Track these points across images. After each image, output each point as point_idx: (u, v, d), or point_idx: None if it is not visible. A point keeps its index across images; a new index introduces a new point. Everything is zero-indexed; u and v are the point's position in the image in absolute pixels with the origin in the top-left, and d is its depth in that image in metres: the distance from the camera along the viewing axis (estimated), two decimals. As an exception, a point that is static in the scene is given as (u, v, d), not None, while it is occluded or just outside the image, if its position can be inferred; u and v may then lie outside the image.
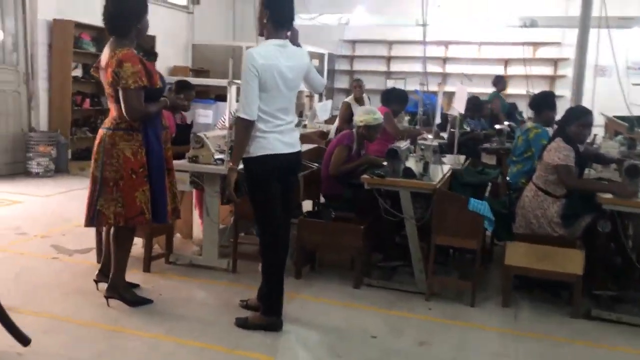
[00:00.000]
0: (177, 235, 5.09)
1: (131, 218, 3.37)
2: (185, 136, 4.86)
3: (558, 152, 4.00)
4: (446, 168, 4.55)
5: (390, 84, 12.47)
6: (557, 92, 11.63)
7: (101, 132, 3.44)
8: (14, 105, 7.93)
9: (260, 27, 3.30)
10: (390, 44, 12.52)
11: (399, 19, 10.04)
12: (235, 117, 3.30)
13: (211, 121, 9.97)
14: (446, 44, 12.07)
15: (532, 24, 8.70)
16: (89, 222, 3.45)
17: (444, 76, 12.25)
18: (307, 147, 5.89)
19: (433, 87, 11.71)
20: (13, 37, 7.88)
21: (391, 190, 4.09)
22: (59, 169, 7.99)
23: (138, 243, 4.34)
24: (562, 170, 3.97)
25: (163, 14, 11.16)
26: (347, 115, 7.30)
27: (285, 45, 3.23)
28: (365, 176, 4.10)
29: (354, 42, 12.76)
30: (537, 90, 11.02)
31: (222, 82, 8.89)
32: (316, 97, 10.66)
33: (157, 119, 3.45)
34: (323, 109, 8.38)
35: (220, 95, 10.11)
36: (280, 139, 3.25)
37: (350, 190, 4.52)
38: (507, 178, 5.18)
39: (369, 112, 4.83)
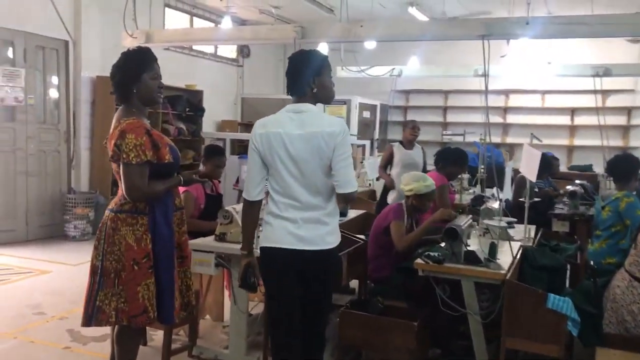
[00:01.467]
0: (207, 318, 4.54)
1: (134, 317, 2.82)
2: (217, 208, 4.35)
3: None
4: (515, 247, 3.84)
5: (448, 135, 11.82)
6: (631, 143, 10.79)
7: (106, 213, 2.94)
8: (54, 165, 7.69)
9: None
10: (446, 93, 11.91)
11: (455, 69, 9.42)
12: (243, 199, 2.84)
13: (257, 178, 9.63)
14: (507, 92, 11.36)
15: (606, 72, 7.92)
16: (87, 321, 2.89)
17: (505, 127, 11.51)
18: (354, 212, 5.29)
19: (494, 139, 11.00)
20: (55, 95, 7.72)
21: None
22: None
23: (159, 332, 3.80)
24: None
25: (212, 68, 10.96)
26: (385, 161, 6.58)
27: (300, 111, 2.65)
28: (419, 261, 3.45)
29: (407, 92, 12.22)
30: (611, 142, 10.38)
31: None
32: (367, 151, 10.10)
33: (167, 199, 2.93)
34: (373, 166, 7.78)
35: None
36: (290, 229, 2.63)
37: (400, 275, 3.87)
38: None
39: (418, 179, 4.23)
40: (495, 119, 11.32)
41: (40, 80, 7.47)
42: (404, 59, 9.69)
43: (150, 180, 2.81)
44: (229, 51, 11.75)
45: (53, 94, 7.70)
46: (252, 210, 2.75)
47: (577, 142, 11.11)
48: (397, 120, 12.44)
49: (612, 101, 10.85)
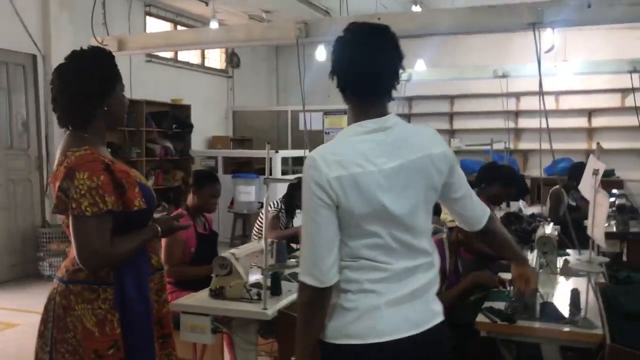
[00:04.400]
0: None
1: None
2: (211, 250, 3.51)
3: None
4: (582, 285, 2.99)
5: (456, 143, 11.03)
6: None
7: (53, 284, 2.09)
8: (25, 195, 6.79)
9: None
10: (452, 98, 11.12)
11: (470, 71, 8.61)
12: (298, 285, 1.70)
13: (254, 198, 8.74)
14: (518, 95, 10.58)
15: (637, 68, 7.15)
16: None
17: (517, 132, 10.72)
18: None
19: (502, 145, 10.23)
20: (23, 116, 6.84)
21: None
22: (77, 268, 6.75)
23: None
24: None
25: (200, 80, 10.12)
26: None
27: (386, 127, 1.67)
28: (482, 319, 2.61)
29: (410, 99, 11.42)
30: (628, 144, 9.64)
31: (265, 153, 7.65)
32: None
33: (140, 260, 2.08)
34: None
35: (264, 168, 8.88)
36: (387, 308, 1.65)
37: (457, 334, 3.02)
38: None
39: None
40: (508, 123, 10.54)
41: (4, 99, 6.59)
42: (408, 62, 8.87)
43: (114, 236, 1.96)
44: (218, 62, 10.93)
45: (20, 115, 6.81)
46: (322, 303, 1.65)
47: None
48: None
49: (631, 100, 10.08)
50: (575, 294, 2.67)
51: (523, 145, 10.71)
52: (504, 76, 7.14)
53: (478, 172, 4.37)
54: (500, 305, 2.74)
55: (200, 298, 2.91)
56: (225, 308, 2.80)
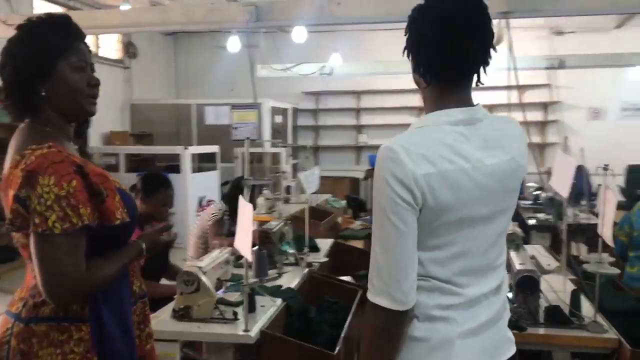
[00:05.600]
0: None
1: None
2: (164, 263, 3.05)
3: None
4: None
5: (363, 138, 11.00)
6: (549, 140, 10.55)
7: (3, 322, 1.60)
8: None
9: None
10: (358, 94, 11.05)
11: (371, 67, 8.56)
12: (368, 306, 1.35)
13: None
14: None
15: (560, 65, 7.40)
16: None
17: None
18: (323, 243, 4.16)
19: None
20: None
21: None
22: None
23: None
24: None
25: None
26: None
27: (475, 120, 1.37)
28: None
29: (317, 94, 11.22)
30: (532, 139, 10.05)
31: (175, 149, 7.09)
32: (283, 159, 8.98)
33: (121, 286, 1.64)
34: (309, 179, 6.67)
35: (172, 166, 8.28)
36: (461, 339, 1.36)
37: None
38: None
39: None
40: (407, 119, 10.67)
41: None
42: (324, 55, 8.65)
43: (89, 257, 1.52)
44: (113, 51, 10.10)
45: None
46: (401, 330, 1.34)
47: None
48: (308, 125, 11.43)
49: (529, 96, 10.55)
50: (576, 295, 2.55)
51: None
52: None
53: None
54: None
55: (163, 321, 2.47)
56: (198, 332, 2.38)
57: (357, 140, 11.08)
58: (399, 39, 1.49)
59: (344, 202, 7.71)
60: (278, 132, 10.21)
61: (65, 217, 1.43)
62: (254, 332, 2.33)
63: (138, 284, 1.73)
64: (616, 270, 2.42)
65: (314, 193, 6.84)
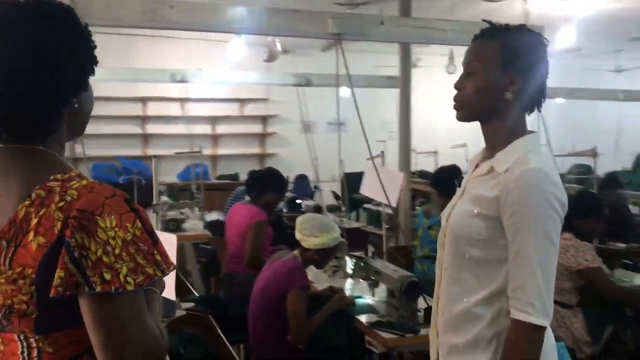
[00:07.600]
0: None
1: None
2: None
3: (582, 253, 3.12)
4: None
5: (79, 149, 10.50)
6: (269, 150, 11.20)
7: None
8: None
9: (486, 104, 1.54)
10: (144, 101, 10.72)
11: (149, 74, 8.30)
12: (527, 328, 1.38)
13: None
14: (145, 100, 10.65)
15: (308, 82, 7.88)
16: None
17: (146, 137, 10.77)
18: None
19: (134, 151, 10.24)
20: None
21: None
22: None
23: None
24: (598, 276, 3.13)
25: None
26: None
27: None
28: (382, 334, 2.69)
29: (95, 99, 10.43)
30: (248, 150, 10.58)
31: None
32: None
33: None
34: None
35: None
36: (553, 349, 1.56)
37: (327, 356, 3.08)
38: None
39: (327, 229, 3.14)
40: (136, 129, 10.58)
41: None
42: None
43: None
44: None
45: None
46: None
47: (222, 151, 11.08)
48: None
49: (249, 110, 11.15)
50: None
51: (151, 151, 10.74)
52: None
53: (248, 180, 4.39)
54: (373, 318, 2.90)
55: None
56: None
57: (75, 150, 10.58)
58: None
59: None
60: None
61: (138, 268, 1.08)
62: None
63: None
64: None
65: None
